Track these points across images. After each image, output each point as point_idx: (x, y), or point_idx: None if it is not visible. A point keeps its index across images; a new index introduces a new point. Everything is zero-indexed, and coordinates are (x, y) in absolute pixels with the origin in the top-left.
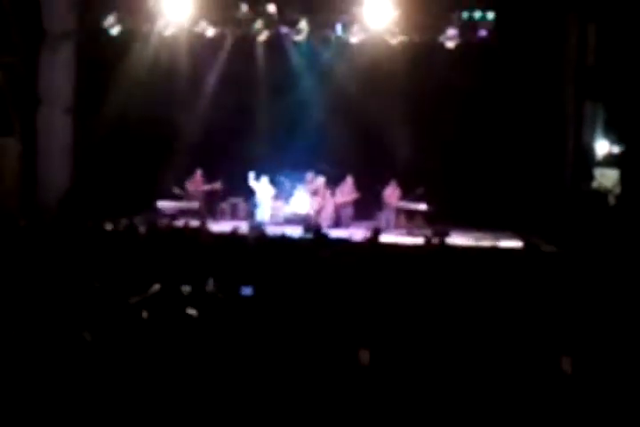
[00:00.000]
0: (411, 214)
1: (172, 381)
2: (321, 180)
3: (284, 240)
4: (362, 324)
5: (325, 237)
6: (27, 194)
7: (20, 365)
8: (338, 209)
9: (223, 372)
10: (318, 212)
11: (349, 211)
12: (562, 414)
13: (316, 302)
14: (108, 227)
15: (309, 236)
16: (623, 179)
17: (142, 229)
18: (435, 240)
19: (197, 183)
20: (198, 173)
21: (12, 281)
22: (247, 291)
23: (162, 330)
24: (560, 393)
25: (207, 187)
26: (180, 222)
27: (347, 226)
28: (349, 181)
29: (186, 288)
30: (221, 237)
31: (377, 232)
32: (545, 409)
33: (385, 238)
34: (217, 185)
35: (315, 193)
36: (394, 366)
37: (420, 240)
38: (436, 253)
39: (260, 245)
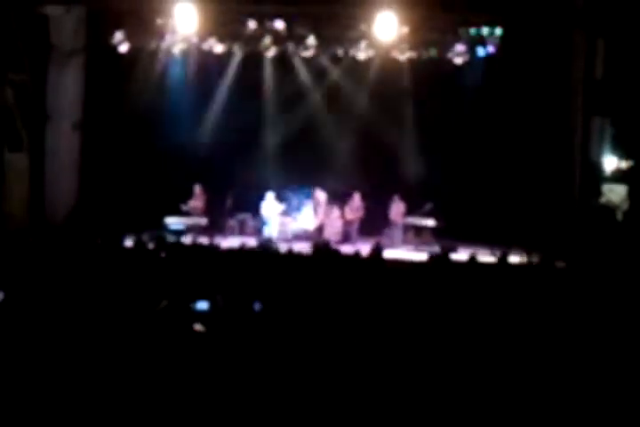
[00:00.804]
0: (419, 230)
1: (173, 392)
2: (322, 195)
3: (291, 256)
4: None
5: (333, 252)
6: (35, 209)
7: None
8: (346, 225)
9: (225, 384)
10: (321, 228)
11: (355, 227)
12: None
13: (318, 317)
14: (125, 243)
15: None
16: (631, 194)
17: (151, 245)
18: (439, 256)
19: (198, 199)
20: (197, 188)
21: (20, 296)
22: (256, 306)
23: (168, 345)
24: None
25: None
26: (188, 239)
27: (354, 242)
28: (357, 197)
29: (200, 304)
30: (230, 252)
31: (378, 248)
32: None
33: (391, 254)
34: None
35: (316, 209)
36: (397, 379)
37: (424, 256)
38: (440, 268)
39: (268, 260)
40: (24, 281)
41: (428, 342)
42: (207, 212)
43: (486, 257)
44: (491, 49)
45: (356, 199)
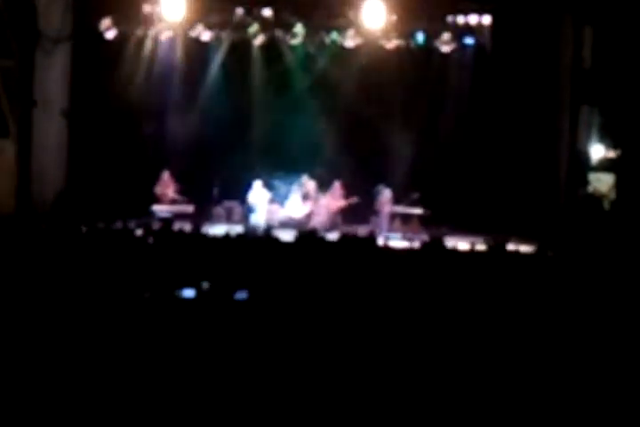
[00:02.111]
0: (406, 218)
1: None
2: (312, 184)
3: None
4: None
5: (318, 240)
6: (22, 195)
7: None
8: (333, 213)
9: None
10: (309, 216)
11: (338, 215)
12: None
13: (310, 305)
14: (103, 228)
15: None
16: (618, 183)
17: (138, 232)
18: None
19: (165, 186)
20: (165, 175)
21: (8, 283)
22: (242, 295)
23: (154, 333)
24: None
25: (174, 193)
26: (175, 226)
27: (338, 230)
28: (337, 185)
29: (186, 292)
30: (216, 240)
31: (372, 235)
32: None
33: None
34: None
35: (305, 197)
36: (394, 367)
37: (415, 244)
38: (431, 256)
39: (254, 247)
40: (9, 268)
41: (419, 331)
42: (178, 199)
43: (476, 245)
44: (478, 38)
45: (337, 188)
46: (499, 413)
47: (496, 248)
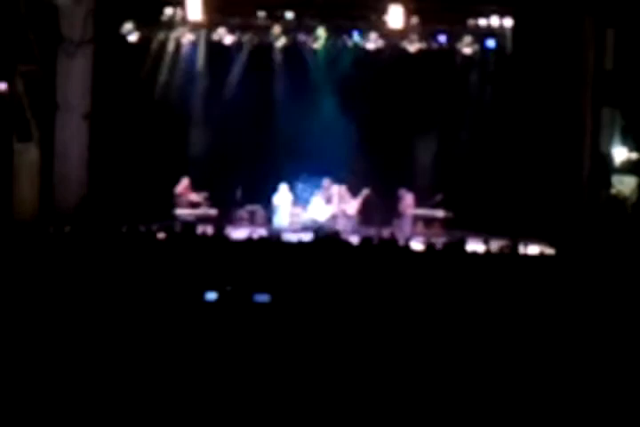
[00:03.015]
0: (428, 221)
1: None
2: (337, 187)
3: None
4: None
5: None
6: (45, 199)
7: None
8: (354, 216)
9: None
10: (334, 218)
11: (360, 218)
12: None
13: (331, 308)
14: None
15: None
16: None
17: (161, 235)
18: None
19: (184, 191)
20: (184, 180)
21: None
22: (263, 298)
23: (176, 334)
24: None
25: (193, 196)
26: (198, 229)
27: (360, 233)
28: (365, 191)
29: (209, 295)
30: (239, 243)
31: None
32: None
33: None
34: (201, 196)
35: (329, 200)
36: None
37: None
38: (452, 259)
39: (277, 250)
40: (33, 270)
41: (436, 333)
42: (201, 202)
43: (498, 248)
44: (499, 40)
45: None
46: (514, 415)
47: (517, 251)
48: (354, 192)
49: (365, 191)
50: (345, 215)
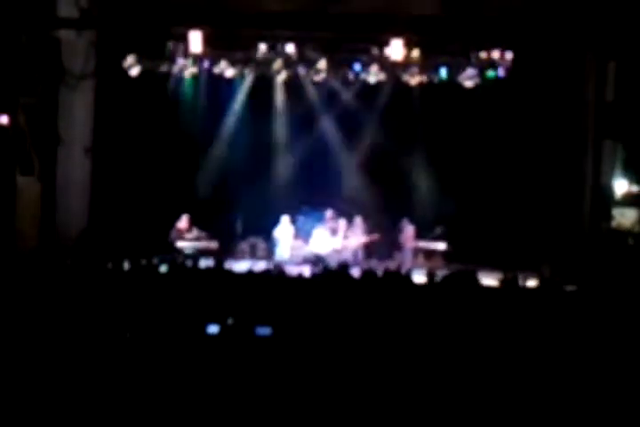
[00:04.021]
0: (429, 254)
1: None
2: (343, 221)
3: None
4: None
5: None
6: (46, 231)
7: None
8: (356, 249)
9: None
10: (340, 251)
11: (362, 251)
12: None
13: (333, 342)
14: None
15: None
16: None
17: (163, 268)
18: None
19: (183, 228)
20: (184, 218)
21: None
22: (265, 331)
23: (179, 368)
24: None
25: (194, 233)
26: (201, 263)
27: (361, 266)
28: (359, 221)
29: (211, 328)
30: (241, 276)
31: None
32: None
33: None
34: (200, 234)
35: (335, 232)
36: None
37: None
38: (454, 291)
39: (279, 284)
40: (31, 305)
41: (442, 366)
42: (201, 236)
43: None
44: (501, 72)
45: (360, 223)
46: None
47: (515, 284)
48: (351, 222)
49: (375, 235)
50: (350, 249)
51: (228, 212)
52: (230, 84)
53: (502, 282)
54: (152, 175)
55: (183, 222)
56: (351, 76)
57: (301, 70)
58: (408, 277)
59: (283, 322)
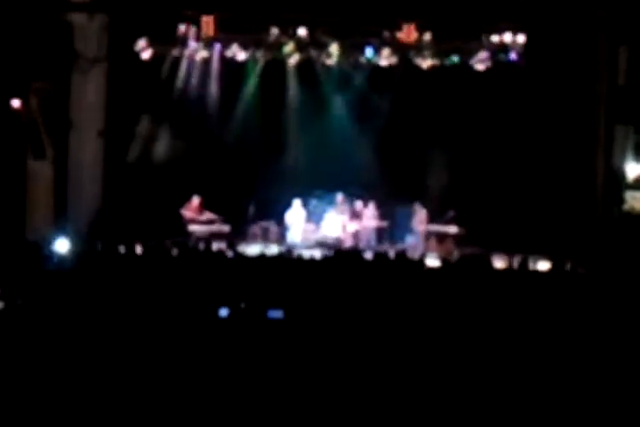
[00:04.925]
0: (441, 238)
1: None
2: (359, 203)
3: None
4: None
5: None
6: (59, 217)
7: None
8: (367, 232)
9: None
10: (352, 235)
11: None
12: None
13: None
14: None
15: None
16: None
17: (174, 251)
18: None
19: (194, 211)
20: (195, 200)
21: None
22: (277, 314)
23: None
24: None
25: (205, 217)
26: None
27: (373, 249)
28: (371, 205)
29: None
30: (252, 259)
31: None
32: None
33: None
34: (212, 216)
35: (353, 216)
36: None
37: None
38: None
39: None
40: (44, 290)
41: (452, 348)
42: (214, 219)
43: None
44: (513, 56)
45: (371, 207)
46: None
47: (527, 267)
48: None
49: (384, 222)
50: (362, 232)
51: (240, 195)
52: (242, 67)
53: (511, 265)
54: (164, 159)
55: (194, 204)
56: (363, 59)
57: (313, 54)
58: (420, 260)
59: (295, 305)
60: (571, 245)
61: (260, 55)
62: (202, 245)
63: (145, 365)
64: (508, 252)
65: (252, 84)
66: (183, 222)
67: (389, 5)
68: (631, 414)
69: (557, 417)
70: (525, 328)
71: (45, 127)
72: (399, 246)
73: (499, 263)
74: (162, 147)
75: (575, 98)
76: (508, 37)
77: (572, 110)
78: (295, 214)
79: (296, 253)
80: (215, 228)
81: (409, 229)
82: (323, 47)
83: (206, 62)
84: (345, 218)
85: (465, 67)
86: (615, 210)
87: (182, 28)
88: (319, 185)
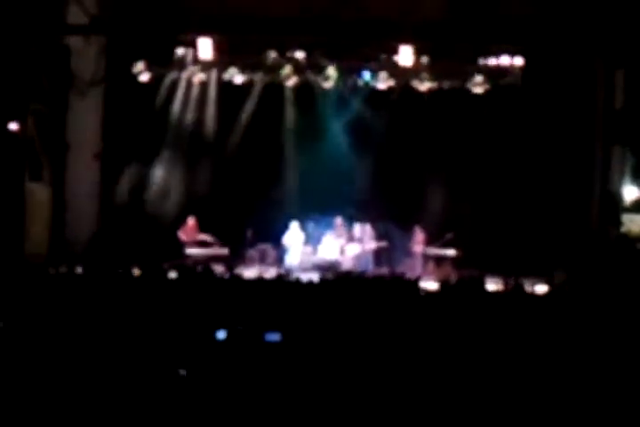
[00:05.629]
0: (439, 261)
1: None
2: (358, 226)
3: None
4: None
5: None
6: (56, 239)
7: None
8: (365, 255)
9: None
10: (350, 257)
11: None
12: None
13: (342, 348)
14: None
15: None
16: None
17: (172, 274)
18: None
19: (190, 232)
20: (190, 221)
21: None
22: (274, 337)
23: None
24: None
25: (200, 237)
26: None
27: (371, 272)
28: (368, 228)
29: (220, 334)
30: (250, 282)
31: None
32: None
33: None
34: (208, 237)
35: (345, 239)
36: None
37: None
38: (464, 298)
39: (289, 290)
40: (41, 311)
41: (451, 372)
42: (212, 242)
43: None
44: (510, 79)
45: (369, 230)
46: None
47: (521, 289)
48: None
49: (383, 243)
50: (360, 255)
51: (238, 218)
52: (240, 91)
53: (505, 288)
54: (161, 181)
55: (189, 225)
56: (360, 82)
57: (311, 77)
58: (415, 283)
59: (292, 328)
60: (568, 268)
61: (258, 78)
62: (200, 268)
63: (142, 387)
64: (505, 274)
65: (249, 106)
66: (181, 245)
67: (386, 29)
68: None
69: None
70: (522, 351)
71: (43, 149)
72: (397, 269)
73: (494, 286)
74: (159, 170)
75: (573, 121)
76: (505, 60)
77: (570, 133)
78: (293, 237)
79: (294, 275)
80: (213, 251)
81: (406, 252)
82: (320, 70)
83: (204, 85)
84: (342, 241)
85: (463, 90)
86: (612, 232)
87: (180, 51)
88: (317, 208)
